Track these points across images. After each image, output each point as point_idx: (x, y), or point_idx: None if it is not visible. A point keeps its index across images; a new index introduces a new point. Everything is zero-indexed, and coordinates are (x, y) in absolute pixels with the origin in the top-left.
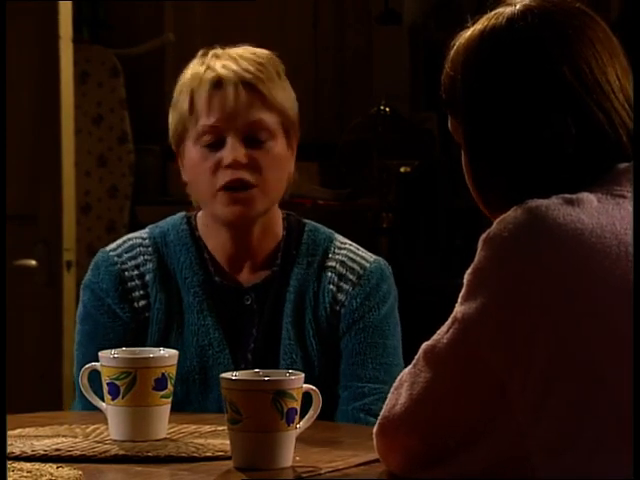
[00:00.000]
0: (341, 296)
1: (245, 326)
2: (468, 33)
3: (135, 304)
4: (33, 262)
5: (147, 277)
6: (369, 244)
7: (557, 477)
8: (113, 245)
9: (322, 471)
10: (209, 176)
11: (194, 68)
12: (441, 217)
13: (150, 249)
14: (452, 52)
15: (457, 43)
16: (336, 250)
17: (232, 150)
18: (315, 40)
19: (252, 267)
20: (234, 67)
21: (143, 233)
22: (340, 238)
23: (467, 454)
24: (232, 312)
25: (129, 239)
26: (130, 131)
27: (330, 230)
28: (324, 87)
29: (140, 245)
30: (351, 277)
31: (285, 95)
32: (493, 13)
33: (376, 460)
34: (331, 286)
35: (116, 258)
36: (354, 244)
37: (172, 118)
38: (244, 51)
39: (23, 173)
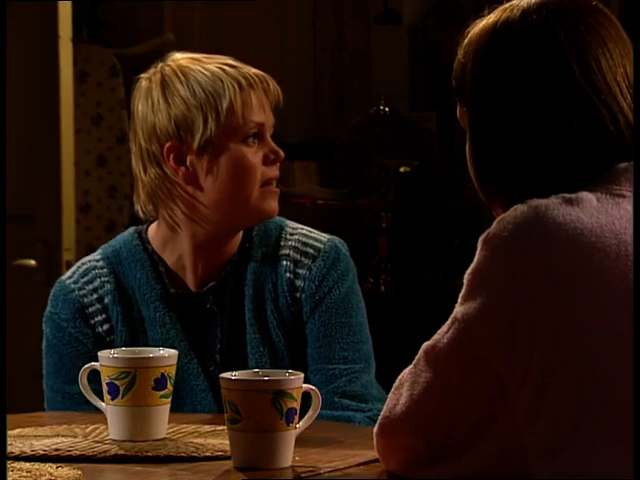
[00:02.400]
0: (299, 282)
1: (209, 330)
2: (482, 22)
3: (98, 329)
4: (32, 262)
5: (106, 299)
6: (368, 244)
7: (555, 476)
8: (68, 273)
9: (322, 471)
10: (257, 171)
11: (211, 70)
12: (440, 217)
13: (105, 270)
14: (465, 40)
15: (470, 32)
16: (288, 236)
17: (273, 145)
18: (314, 40)
19: (212, 270)
20: (249, 69)
21: (96, 255)
22: (291, 224)
23: (468, 453)
24: (194, 319)
25: (83, 264)
26: (129, 131)
27: (281, 218)
28: (323, 87)
29: (95, 268)
30: (306, 261)
31: None
32: (509, 4)
33: (376, 460)
34: (288, 274)
35: (73, 285)
36: (306, 227)
37: (201, 120)
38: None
39: (22, 173)
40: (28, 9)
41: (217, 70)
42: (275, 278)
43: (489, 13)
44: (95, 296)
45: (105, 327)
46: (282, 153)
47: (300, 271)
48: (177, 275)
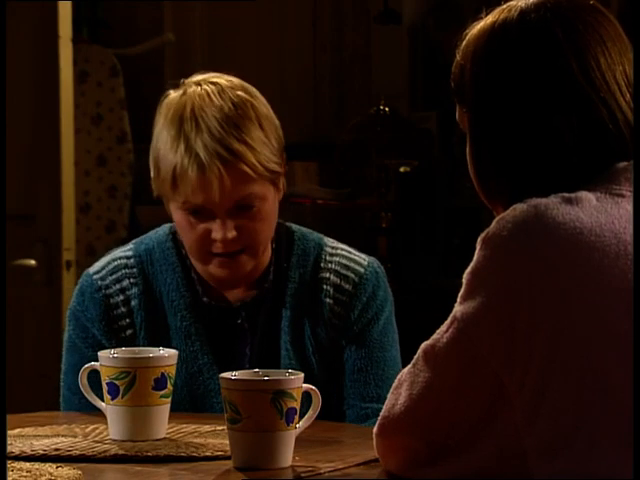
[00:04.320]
0: (338, 308)
1: (237, 346)
2: (480, 24)
3: (121, 334)
4: (32, 262)
5: (133, 303)
6: (368, 244)
7: (555, 476)
8: (97, 266)
9: (322, 471)
10: (198, 241)
11: (177, 129)
12: (440, 217)
13: (135, 270)
14: (463, 42)
15: (469, 33)
16: (328, 258)
17: (221, 227)
18: (314, 40)
19: (244, 286)
20: (216, 145)
21: (128, 251)
22: (330, 243)
23: (467, 453)
24: (222, 333)
25: (114, 259)
26: (129, 131)
27: (319, 235)
28: (323, 87)
29: (125, 267)
30: (347, 287)
31: (269, 145)
32: (506, 5)
33: (376, 460)
34: (328, 299)
35: (100, 282)
36: (345, 247)
37: (152, 171)
38: (221, 89)
39: (22, 173)
40: (28, 9)
41: (177, 136)
42: (314, 302)
43: (487, 15)
44: (122, 297)
45: (128, 332)
46: (229, 237)
47: (340, 297)
48: (211, 284)
